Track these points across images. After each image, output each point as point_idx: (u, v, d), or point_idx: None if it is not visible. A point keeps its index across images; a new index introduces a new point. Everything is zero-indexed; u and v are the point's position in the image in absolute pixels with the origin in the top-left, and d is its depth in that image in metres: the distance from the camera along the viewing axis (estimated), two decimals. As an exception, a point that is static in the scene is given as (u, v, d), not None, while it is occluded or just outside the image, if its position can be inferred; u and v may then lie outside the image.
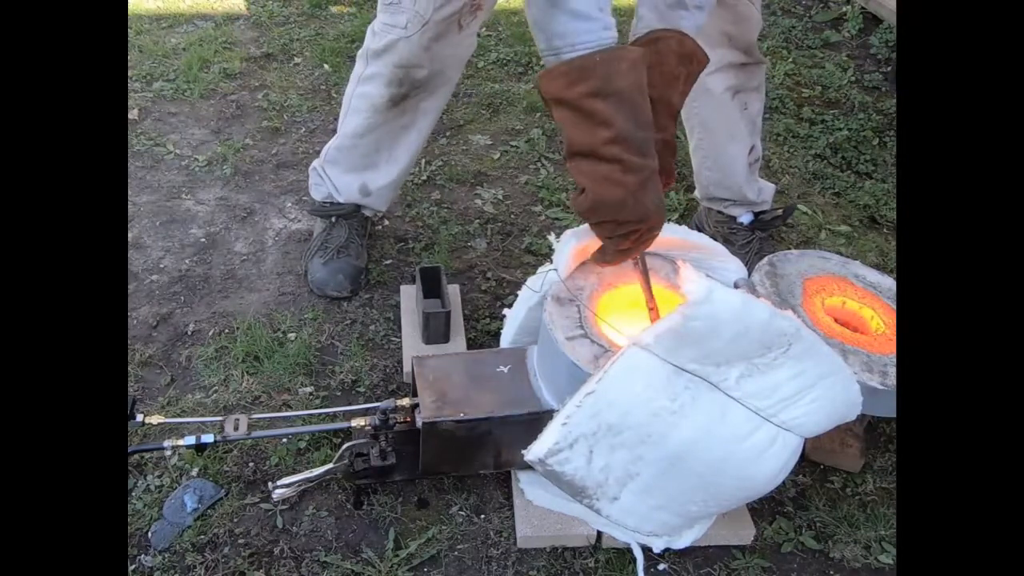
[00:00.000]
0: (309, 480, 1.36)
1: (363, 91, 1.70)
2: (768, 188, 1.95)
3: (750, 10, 1.73)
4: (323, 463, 1.40)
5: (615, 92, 1.07)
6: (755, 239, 1.94)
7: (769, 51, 2.96)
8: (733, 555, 1.36)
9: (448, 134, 2.43)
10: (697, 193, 2.00)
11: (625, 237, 1.19)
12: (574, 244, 1.36)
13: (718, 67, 1.75)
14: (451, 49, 1.63)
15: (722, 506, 1.25)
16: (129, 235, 1.96)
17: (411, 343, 1.65)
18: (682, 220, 2.07)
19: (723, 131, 1.84)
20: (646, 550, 1.31)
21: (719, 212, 1.96)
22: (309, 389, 1.60)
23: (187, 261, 1.90)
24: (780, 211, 1.94)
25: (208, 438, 1.31)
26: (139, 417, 1.32)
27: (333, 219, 1.86)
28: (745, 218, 1.94)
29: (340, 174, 1.81)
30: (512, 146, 2.39)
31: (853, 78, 2.82)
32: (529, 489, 1.38)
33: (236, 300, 1.81)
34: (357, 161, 1.79)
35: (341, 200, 1.83)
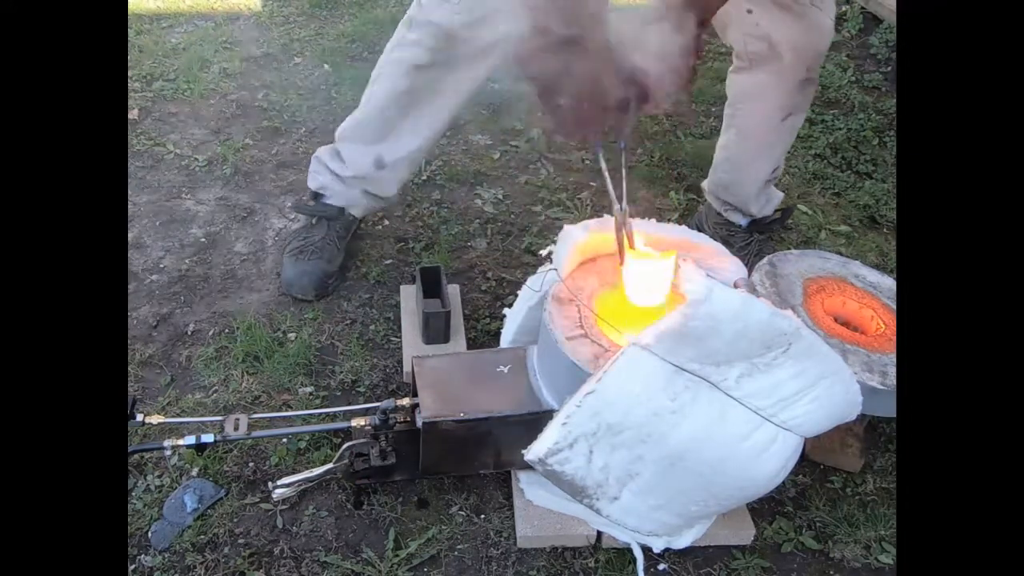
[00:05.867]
0: (309, 480, 1.36)
1: (399, 56, 1.64)
2: (775, 198, 1.93)
3: (822, 19, 1.61)
4: (323, 463, 1.40)
5: None
6: (754, 241, 1.93)
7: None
8: (733, 555, 1.36)
9: (448, 134, 2.43)
10: (705, 183, 1.99)
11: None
12: (574, 242, 1.36)
13: (779, 82, 1.67)
14: (501, 35, 1.56)
15: (722, 506, 1.25)
16: (129, 235, 1.96)
17: (411, 343, 1.65)
18: (682, 220, 2.07)
19: (756, 147, 1.80)
20: (646, 550, 1.31)
21: (718, 214, 1.95)
22: (309, 389, 1.60)
23: (187, 261, 1.90)
24: (778, 214, 1.93)
25: (208, 438, 1.31)
26: (139, 417, 1.31)
27: (314, 220, 1.84)
28: (743, 220, 1.93)
29: (355, 147, 1.75)
30: (512, 146, 2.39)
31: (853, 78, 2.82)
32: (529, 489, 1.38)
33: (236, 300, 1.81)
34: (378, 130, 1.71)
35: (349, 174, 1.77)
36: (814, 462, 1.52)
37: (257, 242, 1.97)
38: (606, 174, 1.26)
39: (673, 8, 1.22)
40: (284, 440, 1.48)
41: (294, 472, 1.39)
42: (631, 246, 1.28)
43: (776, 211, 1.94)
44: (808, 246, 2.06)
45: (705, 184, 1.98)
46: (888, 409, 1.32)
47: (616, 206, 1.26)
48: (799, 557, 1.37)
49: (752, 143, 1.80)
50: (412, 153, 1.74)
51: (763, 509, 1.43)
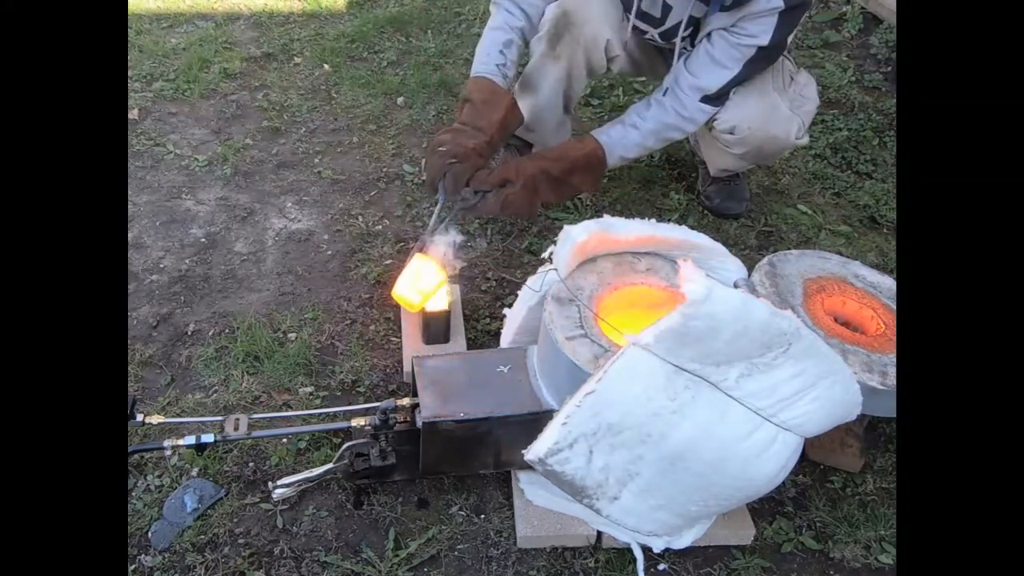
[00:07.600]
0: (309, 480, 1.36)
1: None
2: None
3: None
4: (323, 463, 1.40)
5: (467, 99, 1.74)
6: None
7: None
8: (733, 555, 1.36)
9: (448, 134, 2.42)
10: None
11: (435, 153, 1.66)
12: (574, 242, 1.36)
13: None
14: None
15: (722, 506, 1.25)
16: (129, 235, 1.96)
17: (411, 343, 1.65)
18: (682, 220, 2.07)
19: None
20: (646, 550, 1.31)
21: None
22: (309, 389, 1.60)
23: (187, 261, 1.90)
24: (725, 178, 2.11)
25: (208, 438, 1.31)
26: (139, 417, 1.32)
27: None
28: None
29: None
30: (512, 146, 2.38)
31: (853, 78, 2.82)
32: (529, 489, 1.38)
33: (236, 300, 1.81)
34: None
35: None
36: (814, 462, 1.52)
37: (257, 242, 1.97)
38: (436, 212, 1.64)
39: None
40: (284, 440, 1.48)
41: (294, 472, 1.39)
42: (423, 251, 1.59)
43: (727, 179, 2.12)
44: (808, 246, 2.06)
45: None
46: (888, 409, 1.32)
47: (427, 232, 1.63)
48: (799, 557, 1.37)
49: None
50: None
51: (763, 509, 1.43)
